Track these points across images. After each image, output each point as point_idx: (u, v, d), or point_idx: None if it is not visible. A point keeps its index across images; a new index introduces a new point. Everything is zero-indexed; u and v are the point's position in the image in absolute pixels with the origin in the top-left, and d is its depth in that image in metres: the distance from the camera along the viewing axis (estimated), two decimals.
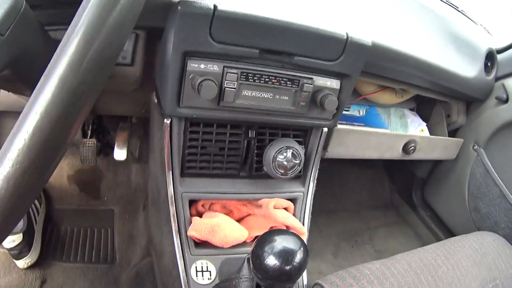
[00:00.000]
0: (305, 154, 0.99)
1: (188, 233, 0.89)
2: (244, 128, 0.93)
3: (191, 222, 0.91)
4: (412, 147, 1.32)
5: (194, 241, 0.91)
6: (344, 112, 1.35)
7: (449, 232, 1.62)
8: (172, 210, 0.90)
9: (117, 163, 1.59)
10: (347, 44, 0.85)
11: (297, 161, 0.91)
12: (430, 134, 1.47)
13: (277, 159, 0.90)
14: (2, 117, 1.51)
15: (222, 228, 0.88)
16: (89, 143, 1.47)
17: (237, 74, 0.80)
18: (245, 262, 0.72)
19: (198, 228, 0.88)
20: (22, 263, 1.38)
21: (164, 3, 0.76)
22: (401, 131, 1.41)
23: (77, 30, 0.42)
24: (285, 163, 0.90)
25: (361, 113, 1.39)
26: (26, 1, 0.58)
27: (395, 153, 1.33)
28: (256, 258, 0.58)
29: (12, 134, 0.40)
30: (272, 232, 0.61)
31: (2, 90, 0.78)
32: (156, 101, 0.95)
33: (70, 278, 1.41)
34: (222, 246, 0.90)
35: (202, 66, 0.79)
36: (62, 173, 1.60)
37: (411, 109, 1.55)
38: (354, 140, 1.21)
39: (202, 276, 0.88)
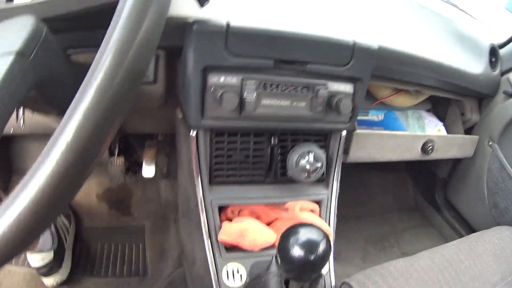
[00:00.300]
0: (326, 157, 1.02)
1: (218, 238, 0.92)
2: (267, 136, 0.97)
3: (221, 229, 0.94)
4: (430, 147, 1.35)
5: (225, 246, 0.95)
6: (363, 118, 1.39)
7: (472, 230, 1.61)
8: (202, 217, 0.94)
9: (145, 180, 1.61)
10: (355, 50, 0.89)
11: (319, 164, 0.95)
12: (447, 133, 1.49)
13: (300, 163, 0.94)
14: (26, 140, 1.56)
15: (251, 231, 0.91)
16: (117, 162, 1.51)
17: (255, 84, 0.85)
18: (273, 259, 0.75)
19: (228, 232, 0.92)
20: (51, 281, 1.39)
21: (180, 23, 0.80)
22: (420, 133, 1.43)
23: (110, 47, 0.46)
24: (308, 166, 0.93)
25: (379, 118, 1.42)
26: (47, 26, 0.61)
27: (414, 154, 1.35)
28: (282, 251, 0.61)
29: (50, 143, 0.41)
30: (296, 226, 0.64)
31: (26, 113, 0.83)
32: (180, 116, 1.00)
33: None
34: (252, 249, 0.93)
35: (222, 79, 0.84)
36: (91, 192, 1.63)
37: (428, 110, 1.58)
38: (373, 143, 1.24)
39: (234, 279, 0.91)
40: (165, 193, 1.67)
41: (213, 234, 0.94)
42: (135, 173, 1.65)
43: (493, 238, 1.09)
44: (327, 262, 0.63)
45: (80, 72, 0.91)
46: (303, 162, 0.94)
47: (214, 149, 0.94)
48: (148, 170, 1.35)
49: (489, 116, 1.47)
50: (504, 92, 1.40)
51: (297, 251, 0.59)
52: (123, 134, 1.50)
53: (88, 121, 0.43)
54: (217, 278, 0.91)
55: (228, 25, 0.79)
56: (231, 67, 0.84)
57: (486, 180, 1.49)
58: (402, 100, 1.39)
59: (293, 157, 0.95)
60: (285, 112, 0.90)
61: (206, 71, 0.83)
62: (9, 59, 0.54)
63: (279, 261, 0.65)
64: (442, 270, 0.93)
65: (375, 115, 1.41)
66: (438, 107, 1.58)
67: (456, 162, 1.68)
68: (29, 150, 1.60)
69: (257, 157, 0.98)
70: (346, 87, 0.95)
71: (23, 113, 0.91)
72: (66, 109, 0.85)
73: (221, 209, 0.98)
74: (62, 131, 0.42)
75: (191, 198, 0.98)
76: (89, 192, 1.63)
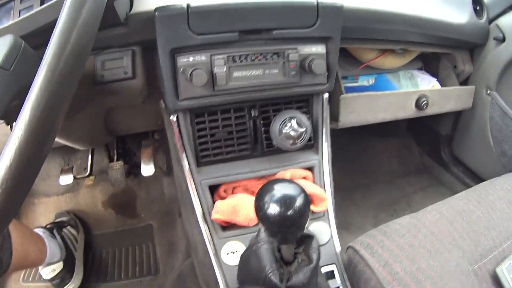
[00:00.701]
0: (312, 122, 1.01)
1: (211, 217, 0.92)
2: (246, 109, 0.97)
3: (213, 208, 0.94)
4: (424, 102, 1.32)
5: (220, 226, 0.95)
6: (353, 84, 1.38)
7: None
8: (194, 199, 0.94)
9: (148, 180, 1.64)
10: (319, 9, 0.89)
11: (303, 129, 0.93)
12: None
13: (283, 130, 0.92)
14: None
15: (244, 207, 0.91)
16: (116, 166, 1.53)
17: (223, 58, 0.86)
18: (261, 227, 0.73)
19: (220, 209, 0.91)
20: None
21: (150, 16, 0.82)
22: (408, 90, 1.41)
23: (56, 31, 0.53)
24: (292, 133, 0.92)
25: (370, 82, 1.40)
26: (25, 42, 0.67)
27: (409, 111, 1.33)
28: (258, 210, 0.60)
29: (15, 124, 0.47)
30: (270, 183, 0.62)
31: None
32: (164, 106, 1.01)
33: None
34: (247, 224, 0.92)
35: (191, 59, 0.85)
36: (96, 200, 1.65)
37: (419, 69, 1.55)
38: (363, 105, 1.22)
39: (234, 256, 0.92)
40: (168, 189, 1.67)
41: (207, 215, 0.94)
42: (136, 175, 1.67)
43: (504, 185, 1.05)
44: (307, 218, 0.61)
45: None
46: (286, 129, 0.92)
47: (196, 130, 0.94)
48: (147, 169, 1.36)
49: (482, 66, 1.44)
50: (495, 38, 1.37)
51: (273, 208, 0.57)
52: (119, 138, 1.51)
53: (42, 98, 0.49)
54: (217, 258, 0.92)
55: (188, 6, 0.80)
56: (197, 45, 0.84)
57: (490, 130, 1.45)
58: (390, 61, 1.37)
59: (275, 125, 0.94)
60: (259, 81, 0.90)
61: (174, 53, 0.84)
62: None
63: (259, 219, 0.63)
64: (452, 222, 0.90)
65: (366, 80, 1.39)
66: (430, 64, 1.55)
67: (457, 117, 1.64)
68: None
69: (240, 131, 0.97)
70: (317, 48, 0.94)
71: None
72: None
73: (213, 190, 0.98)
74: (22, 111, 0.47)
75: (182, 183, 0.98)
76: (94, 201, 1.65)
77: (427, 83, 1.46)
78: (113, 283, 1.48)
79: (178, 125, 0.92)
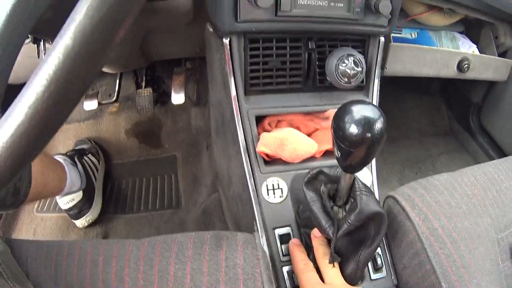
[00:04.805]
0: (366, 63, 0.98)
1: (257, 149, 0.89)
2: (303, 40, 0.93)
3: (259, 140, 0.90)
4: (466, 65, 1.31)
5: (264, 159, 0.91)
6: (396, 35, 1.35)
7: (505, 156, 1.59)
8: (239, 128, 0.90)
9: (175, 109, 1.60)
10: None
11: (359, 69, 0.90)
12: None
13: (340, 67, 0.89)
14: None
15: (291, 141, 0.88)
16: (144, 93, 1.49)
17: None
18: (304, 188, 0.74)
19: (267, 142, 0.88)
20: (82, 222, 1.39)
21: None
22: (453, 50, 1.39)
23: None
24: (348, 70, 0.89)
25: (413, 36, 1.37)
26: None
27: (451, 71, 1.31)
28: (338, 129, 0.56)
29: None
30: (349, 103, 0.58)
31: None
32: (211, 29, 0.96)
33: (134, 228, 1.42)
34: (293, 160, 0.89)
35: None
36: (119, 128, 1.62)
37: (460, 32, 1.52)
38: (410, 57, 1.20)
39: (274, 194, 0.88)
40: (196, 120, 1.63)
41: (250, 146, 0.90)
42: (163, 104, 1.62)
43: None
44: (383, 143, 0.59)
45: None
46: (342, 66, 0.89)
47: (248, 56, 0.89)
48: (178, 97, 1.33)
49: None
50: None
51: (354, 128, 0.54)
52: (149, 63, 1.47)
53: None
54: (257, 194, 0.88)
55: None
56: None
57: None
58: (436, 19, 1.34)
59: (332, 61, 0.90)
60: (323, 13, 0.86)
61: None
62: None
63: (334, 136, 0.60)
64: (484, 188, 0.90)
65: (409, 33, 1.37)
66: (471, 30, 1.52)
67: (490, 87, 1.63)
68: None
69: (294, 63, 0.93)
70: None
71: (44, 44, 0.88)
72: None
73: (258, 120, 0.94)
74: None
75: (226, 110, 0.95)
76: (117, 129, 1.61)
77: (467, 47, 1.43)
78: (132, 214, 1.45)
79: (230, 50, 0.88)
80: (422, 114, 1.94)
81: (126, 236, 1.39)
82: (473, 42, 1.47)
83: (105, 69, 1.21)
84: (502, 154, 1.62)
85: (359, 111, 0.55)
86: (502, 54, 1.50)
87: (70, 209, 1.36)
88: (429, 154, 1.80)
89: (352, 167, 0.61)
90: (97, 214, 1.43)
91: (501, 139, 1.62)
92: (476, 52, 1.43)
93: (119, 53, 1.12)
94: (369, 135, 0.53)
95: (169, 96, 1.33)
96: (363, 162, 0.59)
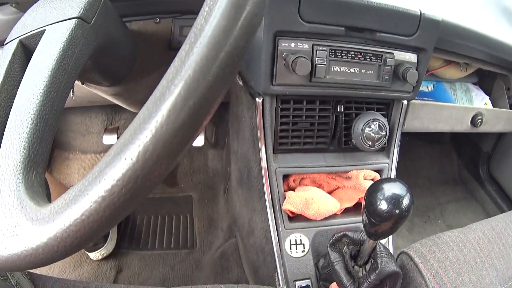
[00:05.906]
0: (388, 126, 1.01)
1: (283, 207, 0.92)
2: (332, 103, 0.96)
3: (284, 197, 0.94)
4: (480, 120, 1.34)
5: (288, 216, 0.95)
6: None
7: None
8: (266, 185, 0.93)
9: (192, 150, 1.61)
10: (421, 20, 0.89)
11: (383, 133, 0.94)
12: (493, 107, 1.48)
13: (365, 131, 0.93)
14: (67, 114, 1.56)
15: (316, 200, 0.91)
16: None
17: (326, 51, 0.85)
18: (328, 249, 0.79)
19: (293, 201, 0.91)
20: (96, 255, 1.39)
21: None
22: (467, 105, 1.42)
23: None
24: (373, 135, 0.93)
25: (429, 89, 1.40)
26: None
27: (464, 126, 1.34)
28: (370, 205, 0.62)
29: (159, 95, 0.33)
30: (380, 181, 0.65)
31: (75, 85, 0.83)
32: (241, 83, 0.99)
33: (148, 265, 1.42)
34: (315, 218, 0.93)
35: (293, 45, 0.83)
36: None
37: (474, 83, 1.56)
38: (428, 114, 1.22)
39: (296, 249, 0.92)
40: (213, 162, 1.65)
41: (276, 203, 0.94)
42: None
43: None
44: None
45: (135, 40, 0.90)
46: (368, 130, 0.93)
47: (279, 116, 0.93)
48: (198, 140, 1.34)
49: None
50: None
51: (384, 205, 0.61)
52: None
53: (200, 76, 0.32)
54: (280, 249, 0.92)
55: None
56: (302, 33, 0.83)
57: None
58: (452, 72, 1.37)
59: (358, 125, 0.94)
60: (354, 79, 0.90)
61: (277, 36, 0.82)
62: (71, 24, 0.54)
63: (365, 212, 0.65)
64: (492, 242, 0.94)
65: (425, 86, 1.40)
66: (484, 81, 1.55)
67: (500, 137, 1.66)
68: (71, 123, 1.60)
69: (322, 125, 0.97)
70: (411, 57, 0.95)
71: (73, 85, 0.90)
72: (118, 80, 0.83)
73: (284, 178, 0.97)
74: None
75: (253, 166, 0.98)
76: None
77: (480, 99, 1.46)
78: (146, 251, 1.45)
79: (263, 109, 0.91)
80: (432, 162, 1.97)
81: (140, 272, 1.39)
82: (486, 93, 1.51)
83: (129, 108, 1.24)
84: (510, 202, 1.64)
85: (389, 189, 0.62)
86: None
87: None
88: (438, 202, 1.83)
89: (377, 235, 0.67)
90: (111, 248, 1.43)
91: (509, 188, 1.65)
92: (489, 103, 1.47)
93: (146, 95, 1.14)
94: (397, 211, 0.60)
95: None
96: (388, 233, 0.65)
